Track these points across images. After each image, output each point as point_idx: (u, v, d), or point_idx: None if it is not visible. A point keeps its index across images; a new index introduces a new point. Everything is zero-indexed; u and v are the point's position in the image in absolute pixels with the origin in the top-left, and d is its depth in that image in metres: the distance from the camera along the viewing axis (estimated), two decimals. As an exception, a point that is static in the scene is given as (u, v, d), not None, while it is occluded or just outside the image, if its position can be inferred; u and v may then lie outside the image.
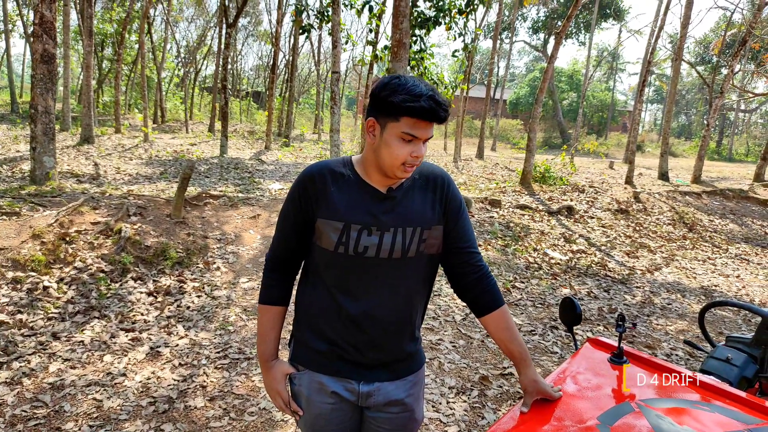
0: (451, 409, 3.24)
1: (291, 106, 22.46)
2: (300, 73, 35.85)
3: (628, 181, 13.35)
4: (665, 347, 4.46)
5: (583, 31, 40.14)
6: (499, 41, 29.17)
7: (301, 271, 1.59)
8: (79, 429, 2.77)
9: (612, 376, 1.74)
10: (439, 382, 3.56)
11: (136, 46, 25.29)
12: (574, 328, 1.88)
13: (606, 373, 1.75)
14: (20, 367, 3.30)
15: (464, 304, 4.96)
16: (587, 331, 4.70)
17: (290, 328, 2.29)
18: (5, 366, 3.29)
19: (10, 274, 4.28)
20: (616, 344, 1.87)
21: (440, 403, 3.28)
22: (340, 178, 1.42)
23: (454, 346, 4.16)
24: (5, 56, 25.79)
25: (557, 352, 4.22)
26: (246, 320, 4.33)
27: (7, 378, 3.17)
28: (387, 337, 1.46)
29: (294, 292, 1.61)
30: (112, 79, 27.44)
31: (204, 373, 3.45)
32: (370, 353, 1.46)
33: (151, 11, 23.86)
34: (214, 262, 5.36)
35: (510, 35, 33.42)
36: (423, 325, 4.40)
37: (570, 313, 1.93)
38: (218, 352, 3.75)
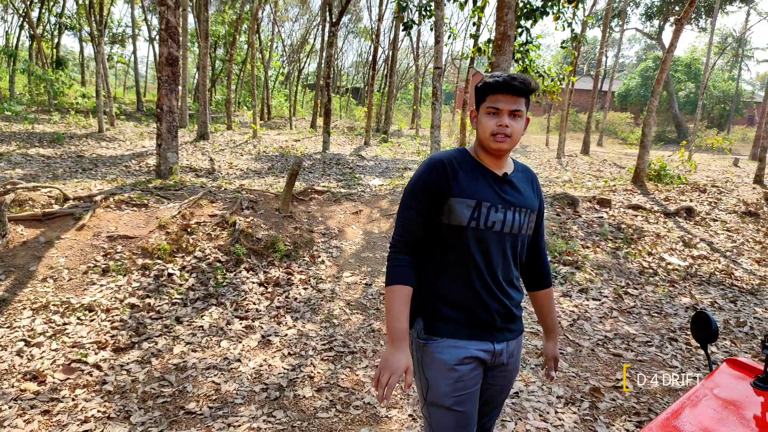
0: (559, 419, 3.10)
1: (390, 102, 22.71)
2: (399, 69, 36.11)
3: (758, 180, 12.06)
4: (807, 369, 3.97)
5: (704, 16, 36.55)
6: (608, 30, 27.47)
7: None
8: (200, 409, 2.96)
9: (756, 403, 1.57)
10: (546, 390, 3.41)
11: (245, 46, 26.76)
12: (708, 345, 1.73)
13: (748, 400, 1.58)
14: (149, 347, 3.60)
15: (571, 309, 4.77)
16: (711, 345, 4.30)
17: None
18: (137, 346, 3.61)
19: (140, 261, 4.68)
20: (760, 367, 1.69)
21: (548, 413, 3.15)
22: (464, 163, 1.66)
23: (561, 353, 3.98)
24: (132, 59, 28.34)
25: (677, 367, 3.90)
26: (349, 314, 4.42)
27: (138, 357, 3.47)
28: (509, 297, 1.69)
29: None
30: (224, 78, 29.28)
31: (311, 363, 3.56)
32: (498, 314, 1.66)
33: (259, 12, 25.10)
34: (319, 256, 5.53)
35: (621, 23, 31.39)
36: (527, 330, 4.26)
37: (704, 329, 1.77)
38: (324, 344, 3.86)
